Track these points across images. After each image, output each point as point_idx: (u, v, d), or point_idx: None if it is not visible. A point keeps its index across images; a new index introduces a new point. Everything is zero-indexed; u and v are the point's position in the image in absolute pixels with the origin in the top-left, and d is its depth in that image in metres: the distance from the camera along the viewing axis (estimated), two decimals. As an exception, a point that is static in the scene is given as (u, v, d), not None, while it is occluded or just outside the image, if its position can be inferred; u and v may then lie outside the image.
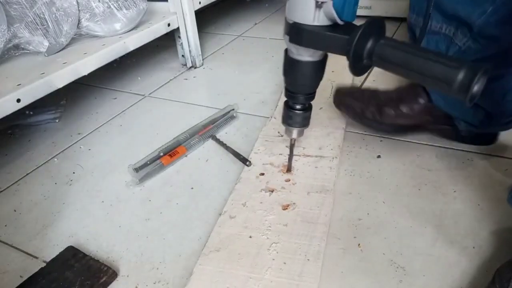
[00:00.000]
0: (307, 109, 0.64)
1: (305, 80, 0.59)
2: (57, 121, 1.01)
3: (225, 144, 0.82)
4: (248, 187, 0.70)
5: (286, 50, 0.58)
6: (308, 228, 0.61)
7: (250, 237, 0.61)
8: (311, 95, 0.62)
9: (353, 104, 0.81)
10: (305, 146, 0.78)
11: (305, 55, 0.55)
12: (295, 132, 0.66)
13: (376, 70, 1.08)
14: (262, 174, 0.73)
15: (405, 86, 0.82)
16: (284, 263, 0.56)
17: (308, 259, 0.56)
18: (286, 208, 0.65)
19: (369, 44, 0.47)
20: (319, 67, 0.58)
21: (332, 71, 1.04)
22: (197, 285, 0.54)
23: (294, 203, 0.66)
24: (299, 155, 0.76)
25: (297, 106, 0.63)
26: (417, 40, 0.74)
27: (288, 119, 0.65)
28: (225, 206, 0.67)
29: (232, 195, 0.69)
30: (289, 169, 0.73)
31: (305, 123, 0.65)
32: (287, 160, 0.75)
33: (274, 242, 0.59)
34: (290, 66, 0.58)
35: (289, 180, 0.71)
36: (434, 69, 0.42)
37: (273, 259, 0.57)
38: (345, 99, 0.82)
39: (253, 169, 0.75)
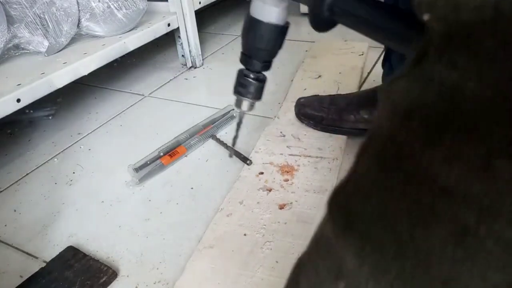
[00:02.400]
0: (262, 80, 0.61)
1: (265, 43, 0.56)
2: (50, 118, 1.01)
3: (226, 144, 0.82)
4: (246, 185, 0.70)
5: (248, 12, 0.56)
6: (303, 228, 0.61)
7: (245, 235, 0.61)
8: (268, 64, 0.60)
9: (312, 113, 0.81)
10: (306, 147, 0.78)
11: (270, 14, 0.53)
12: (245, 103, 0.62)
13: (376, 71, 1.08)
14: (262, 173, 0.73)
15: (365, 91, 0.84)
16: (276, 261, 0.56)
17: None
18: (283, 208, 0.65)
19: None
20: (280, 33, 0.56)
21: (340, 73, 1.04)
22: (188, 281, 0.55)
23: (291, 203, 0.66)
24: (299, 155, 0.76)
25: (251, 75, 0.60)
26: None
27: (239, 87, 0.61)
28: (222, 204, 0.67)
29: (230, 193, 0.69)
30: (230, 155, 0.74)
31: (257, 95, 0.62)
32: (287, 161, 0.74)
33: (268, 241, 0.59)
34: (251, 26, 0.56)
35: (288, 180, 0.71)
36: (395, 24, 0.39)
37: (266, 258, 0.57)
38: (305, 109, 0.83)
39: (253, 168, 0.75)
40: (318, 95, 0.86)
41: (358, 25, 0.42)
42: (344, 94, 0.85)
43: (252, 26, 0.55)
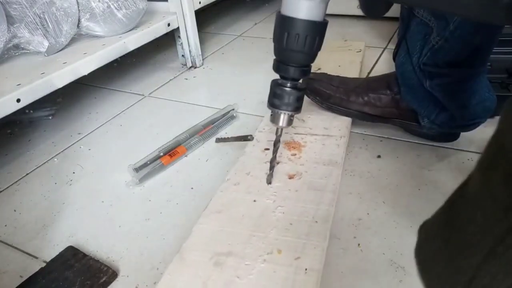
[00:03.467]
0: (300, 89, 0.53)
1: (301, 45, 0.48)
2: (50, 118, 1.01)
3: (228, 138, 0.82)
4: (252, 159, 0.69)
5: (279, 11, 0.49)
6: (316, 195, 0.59)
7: (254, 201, 0.59)
8: (306, 69, 0.52)
9: (320, 88, 0.80)
10: (311, 127, 0.77)
11: (306, 9, 0.47)
12: (283, 118, 0.55)
13: (377, 68, 1.08)
14: (267, 149, 0.71)
15: (375, 76, 0.82)
16: (290, 224, 0.54)
17: (316, 221, 0.54)
18: (292, 178, 0.63)
19: None
20: (319, 31, 0.49)
21: (339, 66, 1.04)
22: (196, 242, 0.53)
23: (300, 173, 0.64)
24: (305, 134, 0.75)
25: (288, 83, 0.52)
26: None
27: (275, 99, 0.53)
28: (228, 175, 0.65)
29: (236, 166, 0.67)
30: (269, 181, 0.63)
31: (297, 106, 0.54)
32: (293, 138, 0.73)
33: (279, 206, 0.58)
34: (284, 26, 0.48)
35: (295, 154, 0.69)
36: None
37: (279, 220, 0.55)
38: (313, 83, 0.81)
39: (258, 145, 0.73)
40: (327, 73, 0.85)
41: None
42: (353, 78, 0.84)
43: (286, 26, 0.48)
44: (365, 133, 0.83)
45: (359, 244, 0.59)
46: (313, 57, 0.52)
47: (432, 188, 0.69)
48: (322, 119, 0.80)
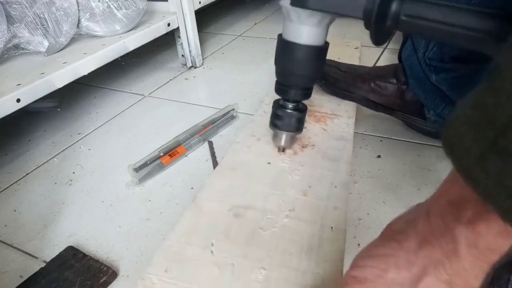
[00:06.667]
0: (302, 110, 0.55)
1: (303, 69, 0.50)
2: (58, 110, 1.02)
3: (214, 155, 0.81)
4: (261, 127, 0.67)
5: (280, 35, 0.50)
6: (331, 164, 0.57)
7: (268, 163, 0.57)
8: (308, 91, 0.53)
9: (327, 73, 0.80)
10: (318, 107, 0.77)
11: (308, 35, 0.47)
12: (285, 138, 0.57)
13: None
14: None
15: (384, 66, 0.83)
16: (309, 186, 0.53)
17: (336, 186, 0.53)
18: (305, 147, 0.62)
19: (395, 2, 0.38)
20: (319, 54, 0.50)
21: (338, 58, 1.04)
22: (212, 194, 0.51)
23: (313, 144, 0.62)
24: (313, 112, 0.75)
25: (289, 104, 0.54)
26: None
27: (276, 120, 0.55)
28: (238, 139, 0.64)
29: (245, 131, 0.65)
30: (281, 148, 0.62)
31: (298, 126, 0.56)
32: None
33: (296, 169, 0.56)
34: (285, 51, 0.49)
35: (306, 127, 0.68)
36: (482, 22, 0.34)
37: (297, 182, 0.53)
38: None
39: (265, 115, 0.71)
40: (335, 60, 0.85)
41: (430, 30, 0.38)
42: (361, 65, 0.84)
43: (287, 50, 0.49)
44: (365, 133, 0.83)
45: (359, 244, 0.59)
46: (314, 80, 0.53)
47: (432, 188, 0.68)
48: (328, 101, 0.80)
